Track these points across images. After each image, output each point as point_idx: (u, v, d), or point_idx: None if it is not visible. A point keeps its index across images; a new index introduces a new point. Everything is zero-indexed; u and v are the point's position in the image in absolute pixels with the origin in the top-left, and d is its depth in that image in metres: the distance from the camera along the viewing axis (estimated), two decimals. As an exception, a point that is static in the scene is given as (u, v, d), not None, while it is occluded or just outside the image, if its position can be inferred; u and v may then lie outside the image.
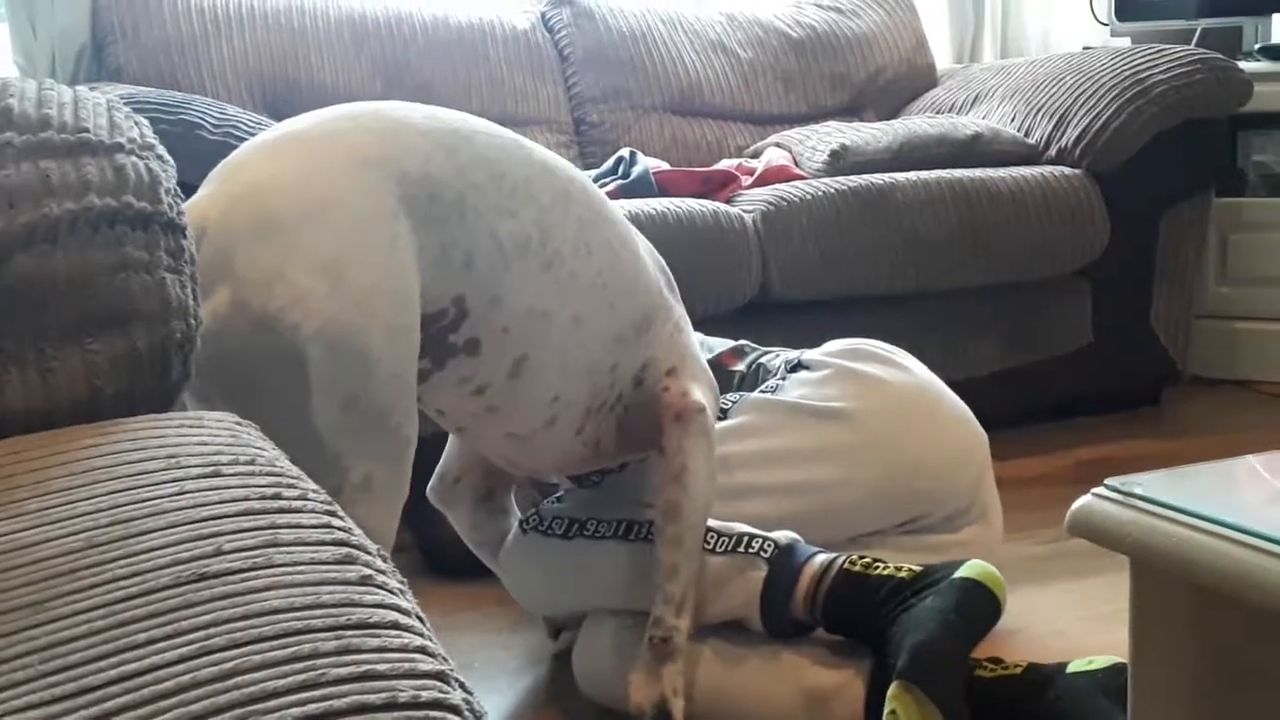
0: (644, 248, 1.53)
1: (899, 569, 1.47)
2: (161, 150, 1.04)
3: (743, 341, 1.93)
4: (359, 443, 1.19)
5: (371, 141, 1.24)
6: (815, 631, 1.51)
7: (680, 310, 1.57)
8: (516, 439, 1.47)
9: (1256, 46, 3.26)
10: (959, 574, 1.43)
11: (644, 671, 1.46)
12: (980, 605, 1.41)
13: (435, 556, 2.02)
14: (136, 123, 1.05)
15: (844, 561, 1.49)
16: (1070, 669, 1.41)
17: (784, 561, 1.50)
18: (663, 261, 1.58)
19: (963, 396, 1.80)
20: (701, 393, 1.52)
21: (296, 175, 1.21)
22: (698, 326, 1.69)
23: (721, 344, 1.91)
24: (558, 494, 1.70)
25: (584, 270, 1.39)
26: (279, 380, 1.16)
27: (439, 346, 1.31)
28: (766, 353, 1.88)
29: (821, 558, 1.50)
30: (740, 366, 1.86)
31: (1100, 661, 1.40)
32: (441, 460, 1.70)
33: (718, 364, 1.85)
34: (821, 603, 1.47)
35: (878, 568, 1.48)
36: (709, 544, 1.51)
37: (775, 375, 1.80)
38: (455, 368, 1.34)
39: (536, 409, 1.42)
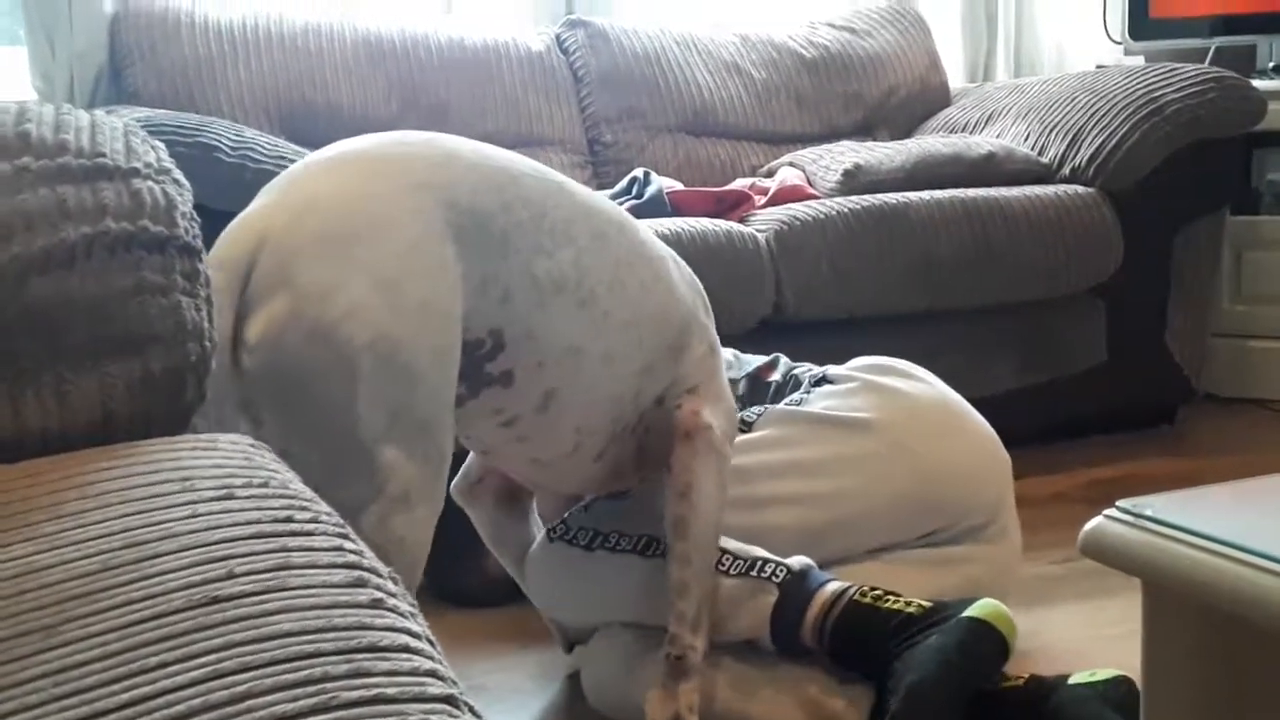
0: (680, 275, 1.54)
1: (909, 603, 1.47)
2: (178, 174, 1.05)
3: (776, 355, 1.95)
4: (400, 455, 1.21)
5: (425, 168, 1.28)
6: (823, 656, 1.51)
7: (714, 334, 1.58)
8: (539, 464, 1.50)
9: (1270, 65, 3.26)
10: (967, 613, 1.43)
11: (661, 688, 1.46)
12: (985, 645, 1.41)
13: (447, 587, 2.01)
14: (153, 147, 1.05)
15: (854, 593, 1.48)
16: (1072, 680, 1.41)
17: (795, 589, 1.49)
18: (700, 287, 1.59)
19: (977, 415, 1.80)
20: (713, 412, 1.52)
21: (357, 192, 1.24)
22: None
23: (757, 359, 1.93)
24: (584, 502, 1.70)
25: (617, 309, 1.41)
26: (328, 390, 1.18)
27: (475, 375, 1.33)
28: (798, 366, 1.90)
29: (833, 587, 1.50)
30: (775, 377, 1.88)
31: (1104, 674, 1.41)
32: (467, 459, 1.71)
33: (756, 376, 1.88)
34: (829, 633, 1.47)
35: (888, 601, 1.47)
36: (723, 565, 1.51)
37: (801, 389, 1.81)
38: (489, 397, 1.36)
39: (561, 438, 1.45)
